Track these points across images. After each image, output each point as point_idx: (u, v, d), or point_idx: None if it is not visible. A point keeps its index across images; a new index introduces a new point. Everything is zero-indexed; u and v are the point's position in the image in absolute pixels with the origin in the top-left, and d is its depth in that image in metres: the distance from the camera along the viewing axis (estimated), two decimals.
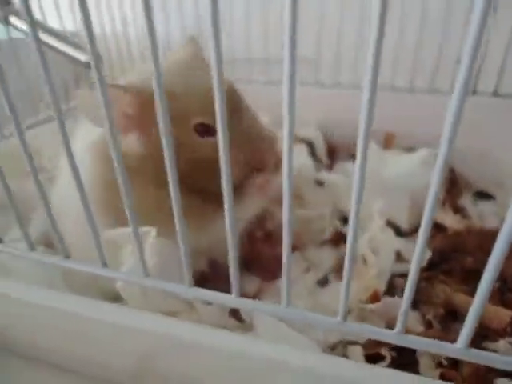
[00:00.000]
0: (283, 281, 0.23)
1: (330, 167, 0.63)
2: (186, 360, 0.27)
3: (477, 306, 0.20)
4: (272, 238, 0.48)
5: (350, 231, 0.20)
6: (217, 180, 0.21)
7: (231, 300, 0.24)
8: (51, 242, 0.45)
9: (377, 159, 0.48)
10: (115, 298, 0.33)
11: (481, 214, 0.56)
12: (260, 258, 0.46)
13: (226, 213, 0.22)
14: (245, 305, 0.24)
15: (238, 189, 0.37)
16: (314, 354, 0.25)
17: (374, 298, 0.34)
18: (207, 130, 0.34)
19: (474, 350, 0.20)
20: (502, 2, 0.57)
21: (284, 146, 0.19)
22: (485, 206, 0.58)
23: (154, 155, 0.33)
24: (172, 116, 0.35)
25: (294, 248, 0.48)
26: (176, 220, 0.23)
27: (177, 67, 0.37)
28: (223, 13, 0.17)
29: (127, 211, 0.24)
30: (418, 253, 0.20)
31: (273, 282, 0.44)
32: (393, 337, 0.21)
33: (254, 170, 0.36)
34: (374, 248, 0.38)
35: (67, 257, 0.28)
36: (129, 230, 0.29)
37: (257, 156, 0.35)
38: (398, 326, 0.21)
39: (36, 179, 0.27)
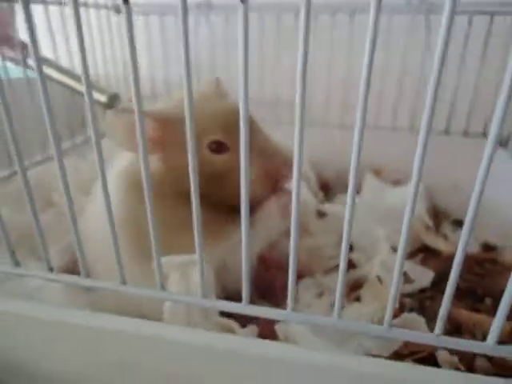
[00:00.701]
0: (337, 295, 0.26)
1: (325, 200, 0.68)
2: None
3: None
4: (284, 265, 0.51)
5: None
6: (231, 193, 0.24)
7: (286, 314, 0.27)
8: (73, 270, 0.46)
9: (378, 191, 0.53)
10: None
11: (459, 238, 0.62)
12: (274, 285, 0.49)
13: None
14: (300, 319, 0.27)
15: (257, 207, 0.40)
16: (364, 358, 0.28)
17: (394, 314, 0.38)
18: (220, 148, 0.37)
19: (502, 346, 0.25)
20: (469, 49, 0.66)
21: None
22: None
23: (173, 172, 0.37)
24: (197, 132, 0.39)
25: (304, 275, 0.51)
26: (243, 238, 0.26)
27: (197, 97, 0.42)
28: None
29: (196, 235, 0.27)
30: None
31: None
32: (433, 339, 0.25)
33: (271, 184, 0.38)
34: (387, 270, 0.43)
35: (123, 283, 0.30)
36: (177, 258, 0.32)
37: (272, 169, 0.38)
38: (437, 330, 0.25)
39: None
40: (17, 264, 0.32)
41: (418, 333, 0.26)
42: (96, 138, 0.26)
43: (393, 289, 0.26)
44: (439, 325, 0.25)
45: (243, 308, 0.28)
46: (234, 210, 0.39)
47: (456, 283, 0.26)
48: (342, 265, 0.25)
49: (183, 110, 0.39)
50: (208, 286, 0.32)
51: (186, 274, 0.32)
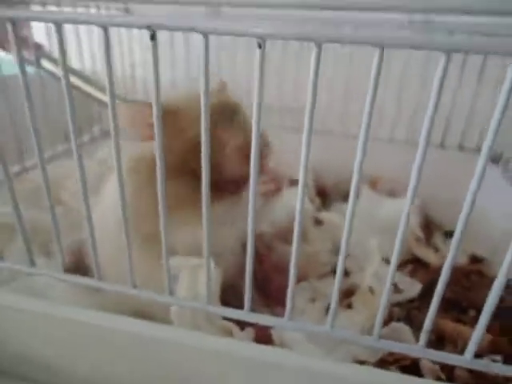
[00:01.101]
0: (331, 307, 0.29)
1: (322, 207, 0.70)
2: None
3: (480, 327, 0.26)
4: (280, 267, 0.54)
5: None
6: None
7: (285, 323, 0.30)
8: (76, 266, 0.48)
9: (374, 203, 0.56)
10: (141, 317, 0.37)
11: (448, 249, 0.65)
12: (269, 285, 0.51)
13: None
14: (296, 327, 0.30)
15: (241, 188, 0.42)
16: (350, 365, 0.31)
17: (383, 323, 0.41)
18: None
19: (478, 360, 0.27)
20: (467, 68, 0.69)
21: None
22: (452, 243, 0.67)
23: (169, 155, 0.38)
24: (187, 122, 0.41)
25: (299, 280, 0.54)
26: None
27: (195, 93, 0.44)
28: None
29: (204, 247, 0.29)
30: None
31: (276, 308, 0.49)
32: (417, 350, 0.28)
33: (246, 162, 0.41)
34: (379, 280, 0.45)
35: (135, 286, 0.32)
36: (185, 259, 0.35)
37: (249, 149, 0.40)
38: (421, 341, 0.28)
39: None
40: (32, 264, 0.34)
41: (403, 344, 0.29)
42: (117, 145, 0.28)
43: (382, 303, 0.28)
44: (423, 337, 0.28)
45: (245, 315, 0.30)
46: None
47: (441, 298, 0.28)
48: (337, 283, 0.27)
49: (181, 102, 0.42)
50: (214, 291, 0.35)
51: (195, 274, 0.34)
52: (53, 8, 0.54)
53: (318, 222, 0.61)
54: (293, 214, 0.68)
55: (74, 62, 0.69)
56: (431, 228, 0.70)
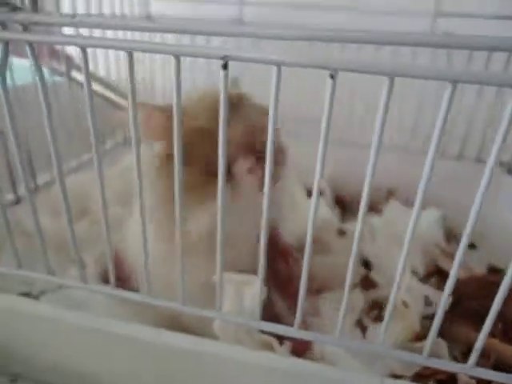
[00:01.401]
0: (383, 324, 0.29)
1: (341, 217, 0.71)
2: None
3: None
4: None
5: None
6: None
7: (334, 340, 0.30)
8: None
9: (401, 215, 0.57)
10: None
11: (467, 260, 0.66)
12: (292, 288, 0.52)
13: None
14: (347, 345, 0.30)
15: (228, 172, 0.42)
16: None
17: (416, 337, 0.42)
18: None
19: None
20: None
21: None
22: (470, 254, 0.68)
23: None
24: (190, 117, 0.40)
25: (323, 290, 0.54)
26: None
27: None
28: None
29: (260, 262, 0.30)
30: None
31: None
32: (469, 369, 0.29)
33: (243, 151, 0.41)
34: (411, 293, 0.46)
35: (184, 304, 0.33)
36: (230, 275, 0.35)
37: (247, 137, 0.40)
38: (472, 358, 0.29)
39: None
40: (84, 280, 0.35)
41: (453, 363, 0.29)
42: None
43: (435, 321, 0.29)
44: (473, 356, 0.29)
45: (295, 332, 0.31)
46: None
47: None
48: (389, 307, 0.28)
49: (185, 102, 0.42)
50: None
51: (240, 290, 0.35)
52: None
53: (342, 233, 0.62)
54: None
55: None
56: (450, 238, 0.71)
